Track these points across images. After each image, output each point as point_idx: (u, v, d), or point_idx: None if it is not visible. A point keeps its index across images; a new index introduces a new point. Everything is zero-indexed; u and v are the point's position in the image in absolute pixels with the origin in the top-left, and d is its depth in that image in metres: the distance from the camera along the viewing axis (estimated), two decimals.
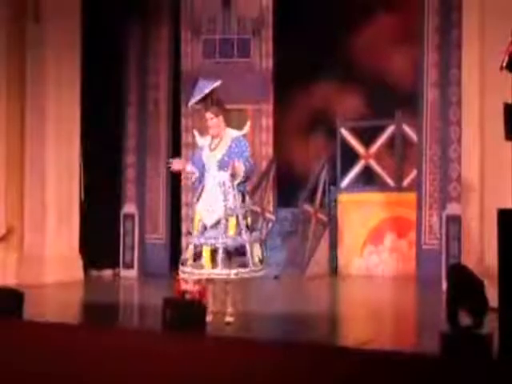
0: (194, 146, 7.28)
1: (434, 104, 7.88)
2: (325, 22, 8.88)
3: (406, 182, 8.58)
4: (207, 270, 5.31)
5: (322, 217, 8.75)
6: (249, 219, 5.44)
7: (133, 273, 8.86)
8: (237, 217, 5.31)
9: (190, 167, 5.56)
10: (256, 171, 9.08)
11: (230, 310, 5.40)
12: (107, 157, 8.84)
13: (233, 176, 5.31)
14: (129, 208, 9.05)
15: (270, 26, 9.11)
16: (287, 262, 8.58)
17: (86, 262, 8.45)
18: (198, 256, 5.34)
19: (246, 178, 5.39)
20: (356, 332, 5.45)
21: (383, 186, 8.71)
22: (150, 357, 4.31)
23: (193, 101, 5.46)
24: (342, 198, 8.87)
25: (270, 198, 9.00)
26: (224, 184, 5.33)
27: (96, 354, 4.42)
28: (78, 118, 8.40)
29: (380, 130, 8.72)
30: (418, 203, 8.06)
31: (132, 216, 9.02)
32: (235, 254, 5.34)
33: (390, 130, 8.67)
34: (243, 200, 5.40)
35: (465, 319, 4.04)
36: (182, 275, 5.38)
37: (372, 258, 8.72)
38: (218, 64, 9.19)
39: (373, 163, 8.78)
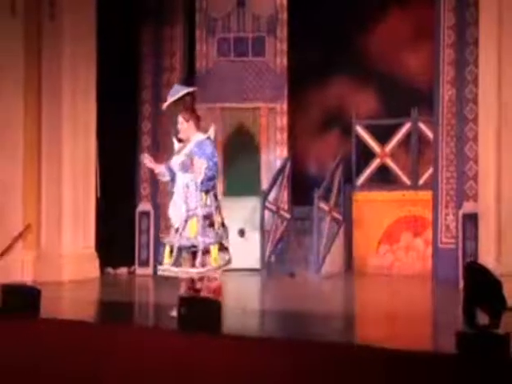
0: None
1: (451, 102, 7.83)
2: (340, 19, 8.85)
3: (422, 181, 8.53)
4: (164, 267, 5.56)
5: (337, 215, 8.73)
6: (219, 217, 5.57)
7: (148, 271, 8.88)
8: (197, 218, 5.46)
9: (159, 169, 5.74)
10: (271, 170, 9.14)
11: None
12: (123, 155, 8.86)
13: (195, 173, 5.46)
14: (144, 206, 9.08)
15: (284, 24, 9.09)
16: (302, 261, 8.57)
17: (102, 259, 8.49)
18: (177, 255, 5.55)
19: (211, 177, 5.50)
20: (372, 331, 5.43)
21: (399, 185, 8.67)
22: (165, 354, 4.32)
23: (166, 104, 5.70)
24: (358, 196, 8.84)
25: (284, 196, 8.99)
26: (187, 186, 5.49)
27: (112, 351, 4.43)
28: (95, 116, 8.44)
29: (396, 128, 8.68)
30: (434, 202, 8.01)
31: (147, 214, 9.05)
32: (193, 254, 5.52)
33: (405, 128, 8.63)
34: (209, 202, 5.53)
35: (482, 318, 4.01)
36: (159, 273, 5.66)
37: (387, 256, 8.69)
38: (233, 63, 9.19)
39: (388, 161, 8.74)
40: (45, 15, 8.09)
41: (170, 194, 5.78)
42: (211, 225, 5.55)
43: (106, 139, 8.55)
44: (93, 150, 8.45)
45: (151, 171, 8.99)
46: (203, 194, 5.51)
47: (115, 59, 8.60)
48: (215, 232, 5.54)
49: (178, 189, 5.57)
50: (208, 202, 5.54)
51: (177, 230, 5.52)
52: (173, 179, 5.65)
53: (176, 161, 5.62)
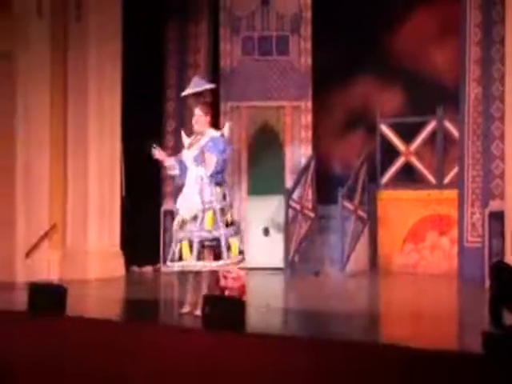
0: None
1: (477, 100, 7.76)
2: (364, 17, 8.81)
3: (447, 179, 8.46)
4: (183, 263, 5.60)
5: (362, 214, 8.70)
6: (229, 214, 5.66)
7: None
8: (214, 211, 5.51)
9: (169, 161, 5.83)
10: (295, 168, 9.13)
11: (199, 302, 5.37)
12: (148, 154, 8.89)
13: (206, 167, 5.56)
14: (168, 204, 9.12)
15: (308, 23, 9.07)
16: (327, 259, 8.55)
17: (128, 258, 8.55)
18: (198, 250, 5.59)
19: (221, 170, 5.59)
20: (397, 330, 5.40)
21: (424, 183, 8.61)
22: (190, 353, 4.34)
23: (186, 92, 5.76)
24: (382, 195, 8.80)
25: (309, 195, 8.98)
26: (201, 179, 5.57)
27: (137, 349, 4.47)
28: (120, 115, 8.50)
29: (421, 126, 8.62)
30: (459, 200, 7.95)
31: (171, 213, 9.09)
32: (212, 248, 5.57)
33: (431, 126, 8.57)
34: (224, 196, 5.63)
35: (508, 318, 3.97)
36: (165, 269, 5.65)
37: (412, 255, 8.64)
38: (257, 61, 9.20)
39: (413, 160, 8.69)
40: (71, 17, 8.17)
41: (179, 188, 5.83)
42: (227, 219, 5.62)
43: (132, 138, 8.60)
44: (118, 149, 8.51)
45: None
46: (218, 187, 5.60)
47: (141, 56, 8.64)
48: (233, 226, 5.61)
49: (191, 182, 5.63)
50: (222, 197, 5.62)
51: (193, 220, 5.55)
52: (182, 173, 5.73)
53: (188, 155, 5.70)
